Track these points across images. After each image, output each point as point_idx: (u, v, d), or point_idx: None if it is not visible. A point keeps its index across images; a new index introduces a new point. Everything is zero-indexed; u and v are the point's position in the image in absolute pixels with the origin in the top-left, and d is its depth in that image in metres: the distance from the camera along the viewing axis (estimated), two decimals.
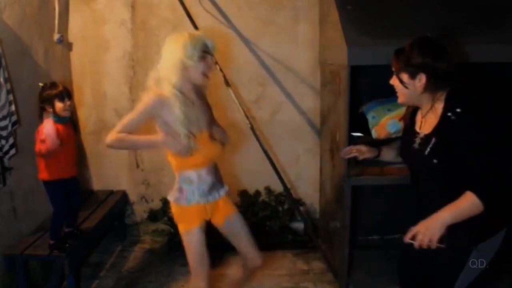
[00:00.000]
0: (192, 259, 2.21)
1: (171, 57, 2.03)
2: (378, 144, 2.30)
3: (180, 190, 2.18)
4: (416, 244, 1.69)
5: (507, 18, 2.77)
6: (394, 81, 1.85)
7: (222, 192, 2.27)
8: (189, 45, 2.01)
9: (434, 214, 1.69)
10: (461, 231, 1.72)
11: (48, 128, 2.49)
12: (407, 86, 1.79)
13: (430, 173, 1.83)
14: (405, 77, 1.79)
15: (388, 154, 2.20)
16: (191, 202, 2.16)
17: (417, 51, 1.75)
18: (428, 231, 1.67)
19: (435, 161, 1.76)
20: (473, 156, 1.67)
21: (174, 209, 2.23)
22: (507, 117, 1.78)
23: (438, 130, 1.77)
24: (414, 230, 1.71)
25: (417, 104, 1.87)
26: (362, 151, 2.21)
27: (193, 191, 2.16)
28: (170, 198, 2.23)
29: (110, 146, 2.04)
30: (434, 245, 1.67)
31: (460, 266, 1.79)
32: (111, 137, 2.02)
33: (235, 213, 2.33)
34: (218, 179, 2.26)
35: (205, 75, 2.08)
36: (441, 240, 1.67)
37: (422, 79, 1.75)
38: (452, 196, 1.71)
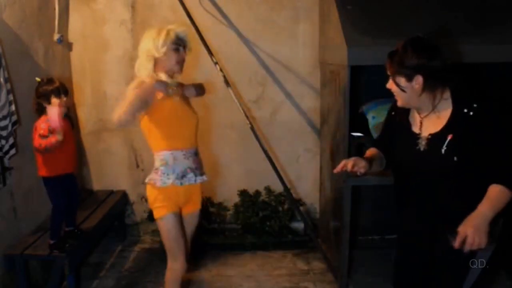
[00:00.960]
0: (169, 243, 2.26)
1: (145, 50, 2.18)
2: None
3: (156, 171, 2.21)
4: (467, 247, 1.63)
5: (507, 18, 2.77)
6: (391, 85, 1.79)
7: (199, 179, 2.28)
8: (160, 39, 2.14)
9: (473, 213, 1.65)
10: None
11: (53, 112, 2.48)
12: (405, 90, 1.75)
13: (446, 172, 1.77)
14: (401, 80, 1.74)
15: (376, 166, 2.03)
16: (166, 184, 2.18)
17: (411, 52, 1.70)
18: (477, 231, 1.62)
19: (455, 158, 1.72)
20: (494, 147, 1.68)
21: (149, 192, 2.26)
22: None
23: (453, 127, 1.74)
24: (461, 233, 1.63)
25: (417, 106, 1.82)
26: (358, 164, 1.90)
27: (168, 172, 2.18)
28: (147, 179, 2.25)
29: (119, 123, 2.08)
30: (484, 244, 1.62)
31: (467, 266, 1.78)
32: (116, 114, 2.06)
33: (199, 210, 2.40)
34: (197, 166, 2.28)
35: (178, 63, 2.20)
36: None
37: (419, 80, 1.71)
38: (469, 194, 1.71)
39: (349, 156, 2.74)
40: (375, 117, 2.97)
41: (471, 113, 1.70)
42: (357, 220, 3.41)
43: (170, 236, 2.24)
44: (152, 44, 2.14)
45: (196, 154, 2.30)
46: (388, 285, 2.99)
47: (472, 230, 1.62)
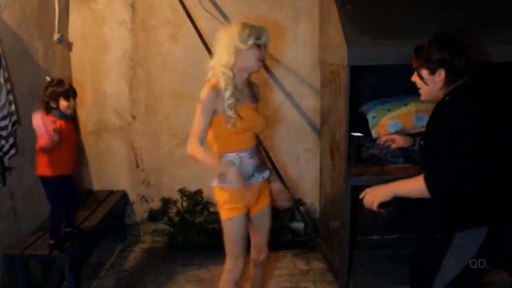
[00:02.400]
0: (232, 245, 2.23)
1: (225, 44, 2.07)
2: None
3: (224, 173, 2.14)
4: (364, 203, 1.91)
5: (507, 18, 2.77)
6: (415, 78, 1.91)
7: (266, 174, 2.29)
8: (245, 31, 2.06)
9: (387, 183, 1.90)
10: (443, 218, 1.84)
11: (36, 120, 2.50)
12: (427, 82, 1.86)
13: (420, 154, 1.98)
14: (425, 73, 1.85)
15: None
16: (236, 185, 2.11)
17: (436, 48, 1.81)
18: (373, 194, 1.89)
19: (421, 142, 1.91)
20: (440, 141, 1.75)
21: (217, 194, 2.21)
22: (496, 118, 1.79)
23: (432, 113, 1.88)
24: (366, 190, 1.92)
25: (437, 99, 1.91)
26: (396, 140, 2.34)
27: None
28: (213, 184, 2.20)
29: (189, 157, 2.14)
30: (375, 207, 1.87)
31: (443, 250, 1.85)
32: (191, 150, 2.11)
33: (269, 205, 2.36)
34: (260, 163, 2.29)
35: (260, 60, 2.12)
36: (383, 206, 1.87)
37: (441, 74, 1.81)
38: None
39: (349, 156, 2.75)
40: (375, 117, 2.97)
41: (440, 103, 1.83)
42: (357, 220, 3.41)
43: (235, 238, 2.21)
44: (237, 37, 2.05)
45: (258, 151, 2.32)
46: (388, 285, 3.02)
47: (370, 193, 1.90)
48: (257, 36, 2.07)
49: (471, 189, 1.77)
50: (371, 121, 2.98)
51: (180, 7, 3.33)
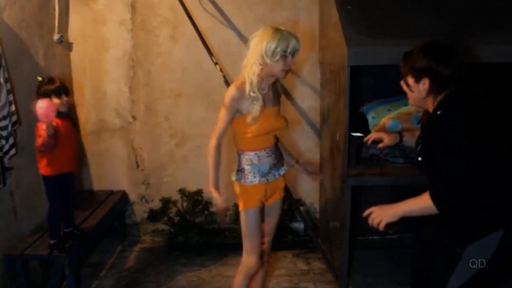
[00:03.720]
0: (246, 235, 2.34)
1: (255, 51, 2.15)
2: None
3: (242, 170, 2.30)
4: (369, 221, 1.88)
5: (507, 18, 2.77)
6: (402, 84, 1.90)
7: (282, 171, 2.41)
8: (273, 44, 2.11)
9: (394, 204, 1.85)
10: (453, 230, 1.80)
11: (41, 104, 2.42)
12: (412, 90, 1.83)
13: (419, 169, 1.94)
14: (410, 80, 1.82)
15: (411, 140, 2.23)
16: (253, 182, 2.28)
17: (422, 55, 1.77)
18: (380, 214, 1.85)
19: (419, 158, 1.87)
20: (440, 157, 1.72)
21: (236, 188, 2.36)
22: (492, 124, 1.78)
23: (425, 128, 1.85)
24: (372, 208, 1.89)
25: (424, 107, 1.90)
26: (383, 139, 2.30)
27: (254, 172, 2.28)
28: (233, 177, 2.35)
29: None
30: (382, 227, 1.85)
31: (453, 263, 1.82)
32: (210, 150, 2.26)
33: (281, 199, 2.49)
34: (278, 159, 2.39)
35: (284, 71, 2.19)
36: (390, 227, 1.85)
37: (426, 83, 1.78)
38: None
39: (349, 156, 2.75)
40: (375, 117, 2.97)
41: (437, 117, 1.76)
42: (357, 220, 3.41)
43: (249, 229, 2.32)
44: (264, 50, 2.11)
45: (277, 149, 2.40)
46: (388, 285, 3.02)
47: (377, 212, 1.86)
48: (285, 48, 2.12)
49: (478, 198, 1.74)
50: (371, 121, 2.98)
51: (180, 7, 3.33)
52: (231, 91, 2.20)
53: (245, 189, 2.30)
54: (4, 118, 2.59)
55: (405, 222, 1.85)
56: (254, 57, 2.14)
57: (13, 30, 2.81)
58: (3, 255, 2.69)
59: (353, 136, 2.91)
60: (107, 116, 3.72)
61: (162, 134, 3.73)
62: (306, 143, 3.73)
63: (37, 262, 2.94)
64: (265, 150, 2.30)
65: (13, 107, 2.67)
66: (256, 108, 2.17)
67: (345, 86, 2.61)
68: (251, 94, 2.15)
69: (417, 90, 1.81)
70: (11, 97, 2.65)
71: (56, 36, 3.33)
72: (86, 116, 3.71)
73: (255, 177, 2.28)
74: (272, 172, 2.34)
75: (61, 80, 2.67)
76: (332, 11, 2.87)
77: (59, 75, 3.35)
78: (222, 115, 2.23)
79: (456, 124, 1.71)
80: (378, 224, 1.85)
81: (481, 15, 2.79)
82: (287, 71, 2.20)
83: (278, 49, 2.10)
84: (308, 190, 3.78)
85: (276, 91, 2.35)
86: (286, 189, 3.36)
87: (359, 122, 2.98)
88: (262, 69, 2.15)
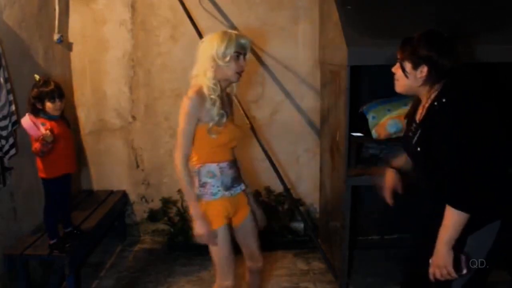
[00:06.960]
0: (218, 258, 2.18)
1: (205, 56, 2.09)
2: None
3: (203, 185, 2.15)
4: (440, 278, 1.73)
5: (507, 18, 2.77)
6: (396, 69, 1.86)
7: (242, 186, 2.27)
8: (222, 46, 2.05)
9: (435, 250, 1.73)
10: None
11: (25, 122, 2.41)
12: (408, 76, 1.81)
13: (416, 160, 1.90)
14: (408, 66, 1.81)
15: (405, 165, 2.13)
16: (217, 195, 2.14)
17: (424, 43, 1.77)
18: (438, 263, 1.72)
19: (418, 149, 1.82)
20: (445, 151, 1.70)
21: (200, 207, 2.18)
22: (493, 114, 1.77)
23: (424, 119, 1.82)
24: (431, 274, 1.75)
25: (415, 94, 1.89)
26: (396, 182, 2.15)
27: (217, 185, 2.15)
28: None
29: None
30: (453, 273, 1.70)
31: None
32: (178, 166, 2.08)
33: (250, 213, 2.32)
34: (238, 175, 2.27)
35: (238, 73, 2.12)
36: (457, 265, 1.70)
37: (423, 71, 1.77)
38: (433, 184, 1.80)
39: (349, 156, 2.75)
40: (375, 117, 2.97)
41: (437, 107, 1.75)
42: (357, 220, 3.41)
43: (219, 251, 2.16)
44: (215, 52, 2.06)
45: (236, 162, 2.29)
46: (388, 285, 3.02)
47: (435, 265, 1.73)
48: (235, 48, 2.06)
49: (480, 188, 1.70)
50: (371, 121, 2.98)
51: (180, 7, 3.33)
52: (191, 98, 2.05)
53: (209, 205, 2.14)
54: (4, 118, 2.59)
55: (405, 222, 1.83)
56: (206, 62, 2.07)
57: (13, 30, 2.81)
58: (3, 255, 2.69)
59: (353, 136, 2.91)
60: (107, 116, 3.72)
61: (162, 134, 3.73)
62: (306, 143, 3.73)
63: (37, 262, 2.94)
64: (226, 162, 2.18)
65: (13, 107, 2.67)
66: (220, 114, 2.07)
67: (345, 86, 2.61)
68: (212, 97, 2.05)
69: (413, 76, 1.80)
70: (11, 97, 2.64)
71: (56, 36, 3.33)
72: (86, 116, 3.71)
73: (219, 190, 2.14)
74: (235, 186, 2.21)
75: (56, 82, 2.61)
76: (332, 11, 2.87)
77: (59, 75, 3.36)
78: (184, 128, 2.06)
79: (463, 115, 1.69)
80: (450, 273, 1.71)
81: (481, 15, 2.79)
82: (240, 73, 2.11)
83: (228, 50, 2.04)
84: (308, 190, 3.79)
85: (228, 100, 2.26)
86: (286, 189, 3.38)
87: (359, 122, 2.98)
88: (215, 72, 2.07)
